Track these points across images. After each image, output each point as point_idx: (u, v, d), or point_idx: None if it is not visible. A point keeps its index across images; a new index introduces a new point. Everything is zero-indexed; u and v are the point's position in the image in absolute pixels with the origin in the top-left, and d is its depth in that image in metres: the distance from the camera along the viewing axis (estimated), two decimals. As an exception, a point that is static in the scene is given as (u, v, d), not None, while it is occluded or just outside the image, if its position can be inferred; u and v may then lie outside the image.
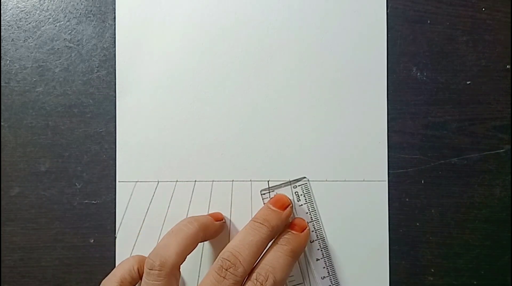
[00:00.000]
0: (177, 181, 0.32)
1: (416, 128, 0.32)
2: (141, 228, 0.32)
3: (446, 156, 0.32)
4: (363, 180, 0.32)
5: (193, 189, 0.32)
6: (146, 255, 0.30)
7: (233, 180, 0.32)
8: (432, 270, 0.31)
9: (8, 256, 0.32)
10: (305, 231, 0.30)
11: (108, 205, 0.32)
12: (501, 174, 0.32)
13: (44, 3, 0.33)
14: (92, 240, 0.32)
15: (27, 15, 0.33)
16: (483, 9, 0.32)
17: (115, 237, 0.32)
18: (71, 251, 0.32)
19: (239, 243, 0.28)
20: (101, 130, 0.33)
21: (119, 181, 0.32)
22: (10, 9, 0.33)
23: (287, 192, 0.32)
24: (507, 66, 0.32)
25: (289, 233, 0.30)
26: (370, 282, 0.31)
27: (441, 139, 0.32)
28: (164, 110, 0.33)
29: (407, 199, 0.32)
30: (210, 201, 0.32)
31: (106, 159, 0.32)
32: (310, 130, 0.32)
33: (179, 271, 0.28)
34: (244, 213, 0.32)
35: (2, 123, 0.33)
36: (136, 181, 0.32)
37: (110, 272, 0.29)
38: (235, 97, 0.32)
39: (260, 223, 0.29)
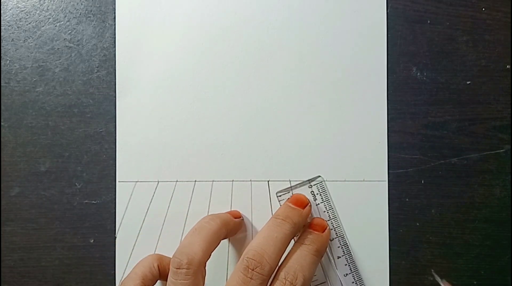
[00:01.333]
0: (177, 181, 0.32)
1: (416, 128, 0.32)
2: (141, 228, 0.32)
3: (446, 156, 0.32)
4: (363, 180, 0.32)
5: (193, 189, 0.32)
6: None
7: (233, 180, 0.32)
8: (432, 270, 0.31)
9: (8, 256, 0.32)
10: (326, 230, 0.30)
11: (108, 205, 0.32)
12: (501, 174, 0.32)
13: (44, 3, 0.33)
14: (92, 240, 0.32)
15: (27, 15, 0.33)
16: (483, 9, 0.32)
17: (115, 237, 0.32)
18: (71, 251, 0.32)
19: (263, 240, 0.27)
20: (101, 130, 0.33)
21: (119, 181, 0.32)
22: (10, 9, 0.33)
23: (303, 192, 0.32)
24: (507, 66, 0.32)
25: (312, 233, 0.29)
26: (370, 282, 0.31)
27: (441, 139, 0.32)
28: (164, 110, 0.33)
29: (407, 199, 0.32)
30: (210, 201, 0.32)
31: (106, 159, 0.32)
32: (310, 130, 0.32)
33: (205, 268, 0.27)
34: (245, 213, 0.32)
35: (2, 123, 0.33)
36: (136, 181, 0.32)
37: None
38: (235, 97, 0.32)
39: (282, 219, 0.28)
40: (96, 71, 0.33)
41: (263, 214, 0.32)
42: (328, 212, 0.32)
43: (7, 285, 0.32)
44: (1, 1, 0.33)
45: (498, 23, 0.32)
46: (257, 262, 0.26)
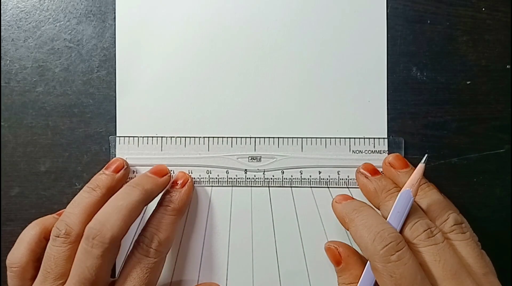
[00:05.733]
0: (177, 181, 0.32)
1: (416, 128, 0.32)
2: (141, 228, 0.32)
3: (446, 156, 0.32)
4: (363, 180, 0.32)
5: (193, 189, 0.32)
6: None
7: (233, 180, 0.32)
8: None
9: (8, 256, 0.32)
10: (186, 185, 0.30)
11: (108, 205, 0.32)
12: (501, 174, 0.32)
13: (44, 3, 0.33)
14: (92, 240, 0.32)
15: (27, 15, 0.33)
16: (483, 9, 0.32)
17: (115, 237, 0.32)
18: (71, 251, 0.32)
19: (108, 209, 0.27)
20: (101, 130, 0.33)
21: (119, 181, 0.32)
22: (10, 9, 0.33)
23: None
24: (507, 66, 0.32)
25: (172, 191, 0.30)
26: (370, 282, 0.31)
27: (441, 139, 0.32)
28: (164, 110, 0.33)
29: (407, 199, 0.32)
30: (210, 201, 0.32)
31: (106, 159, 0.32)
32: (311, 131, 0.32)
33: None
34: (245, 214, 0.32)
35: (2, 123, 0.33)
36: (136, 181, 0.32)
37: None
38: (235, 97, 0.32)
39: (133, 186, 0.28)
40: (96, 71, 0.33)
41: (263, 214, 0.32)
42: None
43: (7, 285, 0.32)
44: (1, 1, 0.33)
45: (498, 23, 0.32)
46: (97, 230, 0.26)
